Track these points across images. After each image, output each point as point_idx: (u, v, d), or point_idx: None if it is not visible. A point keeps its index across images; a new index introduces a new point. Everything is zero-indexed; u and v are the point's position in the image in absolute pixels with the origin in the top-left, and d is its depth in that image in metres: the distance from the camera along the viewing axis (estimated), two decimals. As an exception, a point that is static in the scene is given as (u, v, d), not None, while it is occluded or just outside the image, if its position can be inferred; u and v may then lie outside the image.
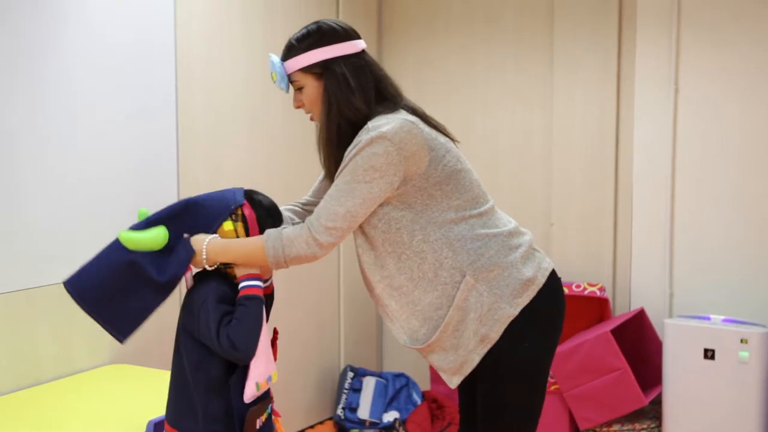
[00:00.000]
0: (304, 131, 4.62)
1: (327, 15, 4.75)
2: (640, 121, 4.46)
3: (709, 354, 3.95)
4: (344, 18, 4.85)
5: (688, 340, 4.01)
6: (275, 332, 2.38)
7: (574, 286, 4.41)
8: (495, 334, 2.22)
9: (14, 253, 3.09)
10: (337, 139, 2.31)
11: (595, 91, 4.57)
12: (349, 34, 2.33)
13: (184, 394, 2.24)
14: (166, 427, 2.30)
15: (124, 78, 3.49)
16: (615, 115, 4.52)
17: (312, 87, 2.34)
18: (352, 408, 4.78)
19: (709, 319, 4.09)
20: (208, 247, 2.21)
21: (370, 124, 2.21)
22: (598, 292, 4.36)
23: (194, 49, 3.85)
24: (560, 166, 4.69)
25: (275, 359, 2.32)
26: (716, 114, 4.28)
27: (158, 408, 2.80)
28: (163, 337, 3.68)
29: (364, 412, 4.75)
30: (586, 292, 4.37)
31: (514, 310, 2.22)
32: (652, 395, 4.12)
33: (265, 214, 2.31)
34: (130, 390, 3.17)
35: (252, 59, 4.20)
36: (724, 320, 4.04)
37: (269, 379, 2.23)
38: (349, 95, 2.26)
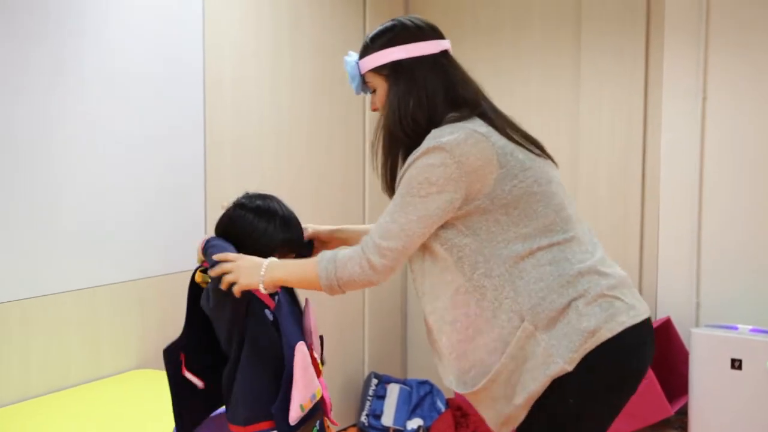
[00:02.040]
0: (330, 149, 4.65)
1: (353, 26, 4.77)
2: (667, 130, 4.44)
3: (736, 364, 3.92)
4: (371, 27, 4.87)
5: (715, 349, 3.99)
6: (311, 343, 2.32)
7: (599, 295, 4.39)
8: (544, 388, 1.94)
9: (43, 260, 3.12)
10: (393, 147, 2.12)
11: (622, 100, 4.55)
12: (425, 33, 2.11)
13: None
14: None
15: (153, 97, 3.53)
16: (642, 124, 4.50)
17: (382, 89, 2.11)
18: (376, 415, 4.79)
19: (736, 328, 4.05)
20: (268, 264, 2.07)
21: (434, 132, 2.00)
22: (623, 301, 4.33)
23: (222, 66, 3.88)
24: (587, 175, 4.67)
25: (319, 371, 2.28)
26: (744, 123, 4.25)
27: (184, 413, 2.82)
28: (189, 343, 3.71)
29: (388, 419, 4.75)
30: (611, 301, 4.34)
31: (568, 366, 1.92)
32: (678, 405, 4.10)
33: (252, 217, 2.22)
34: (156, 395, 3.19)
35: (279, 74, 4.23)
36: (752, 330, 4.01)
37: (313, 397, 2.17)
38: (414, 100, 2.05)
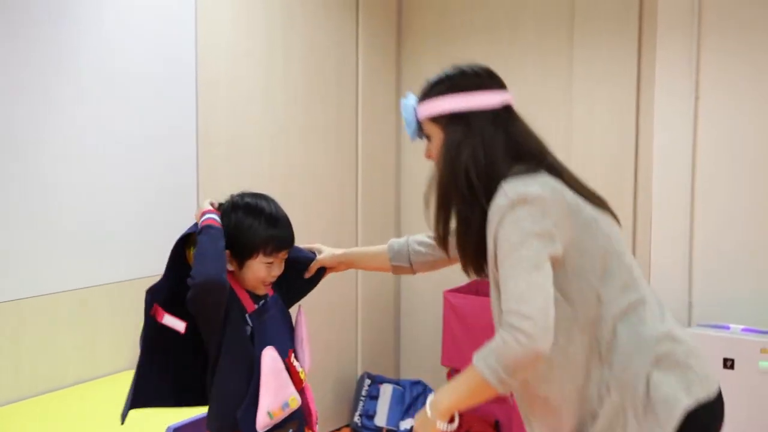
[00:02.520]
0: (324, 149, 4.65)
1: (346, 26, 4.78)
2: (660, 130, 4.45)
3: (728, 363, 3.94)
4: (363, 28, 4.88)
5: (708, 349, 3.99)
6: (296, 351, 2.30)
7: (592, 295, 4.40)
8: None
9: (41, 259, 3.12)
10: (446, 200, 1.98)
11: (615, 100, 4.56)
12: (485, 82, 2.04)
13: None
14: None
15: (146, 97, 3.53)
16: (635, 124, 4.52)
17: (438, 138, 2.00)
18: (369, 415, 4.79)
19: (728, 328, 4.07)
20: (431, 403, 1.94)
21: (506, 185, 1.86)
22: (616, 301, 4.35)
23: (216, 66, 3.88)
24: (579, 172, 4.65)
25: (300, 377, 2.24)
26: (737, 123, 4.27)
27: (178, 413, 2.82)
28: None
29: (381, 420, 4.76)
30: (604, 301, 4.36)
31: None
32: (671, 404, 4.10)
33: (241, 213, 2.20)
34: (151, 395, 3.19)
35: (272, 74, 4.23)
36: (744, 329, 4.03)
37: (285, 405, 2.14)
38: (470, 152, 1.92)
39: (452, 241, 2.06)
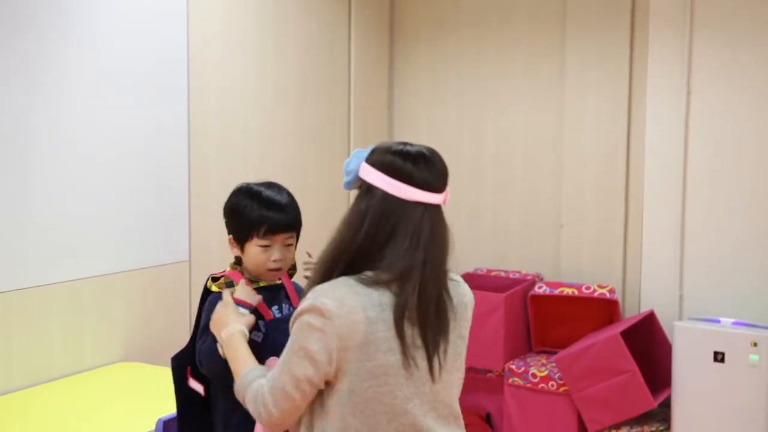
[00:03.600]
0: (317, 149, 4.64)
1: (339, 20, 4.76)
2: (652, 123, 4.45)
3: (719, 357, 3.94)
4: (356, 22, 4.86)
5: (698, 342, 4.01)
6: None
7: (583, 288, 4.41)
8: None
9: (27, 251, 3.10)
10: (334, 255, 1.89)
11: (606, 93, 4.56)
12: (416, 180, 1.80)
13: None
14: None
15: (137, 92, 3.51)
16: (626, 118, 4.52)
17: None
18: None
19: (719, 322, 4.07)
20: (227, 337, 2.01)
21: (319, 289, 1.80)
22: (607, 294, 4.35)
23: (206, 62, 3.87)
24: (571, 166, 4.68)
25: None
26: (729, 117, 4.27)
27: (168, 406, 2.81)
28: (173, 336, 3.71)
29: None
30: (595, 294, 4.36)
31: None
32: (662, 398, 4.11)
33: (241, 197, 2.23)
34: (140, 388, 3.18)
35: (264, 72, 4.21)
36: (735, 323, 4.03)
37: None
38: (362, 229, 1.83)
39: None
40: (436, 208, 1.84)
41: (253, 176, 4.00)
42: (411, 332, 1.75)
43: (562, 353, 4.22)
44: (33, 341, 3.14)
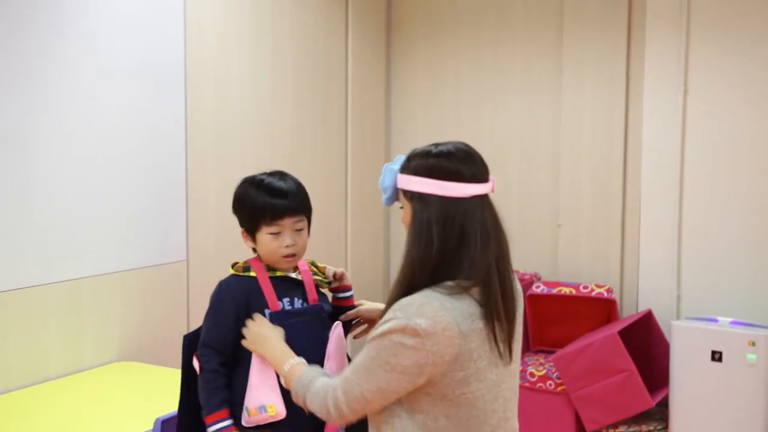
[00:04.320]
0: (314, 148, 4.64)
1: (336, 18, 4.76)
2: (649, 121, 4.45)
3: (716, 356, 3.94)
4: (353, 19, 4.86)
5: (696, 342, 4.01)
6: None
7: (581, 287, 4.41)
8: None
9: (25, 251, 3.09)
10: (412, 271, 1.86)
11: (603, 91, 4.56)
12: (464, 175, 1.81)
13: None
14: None
15: (134, 90, 3.50)
16: (624, 116, 4.52)
17: (407, 212, 1.88)
18: None
19: (716, 321, 4.08)
20: (268, 335, 2.09)
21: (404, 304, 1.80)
22: (605, 294, 4.35)
23: (204, 60, 3.86)
24: (568, 166, 4.68)
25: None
26: (726, 115, 4.27)
27: (166, 405, 2.80)
28: (170, 336, 3.70)
29: None
30: (593, 293, 4.36)
31: None
32: (659, 397, 4.12)
33: (247, 187, 2.25)
34: (137, 387, 3.17)
35: (261, 71, 4.21)
36: (732, 322, 4.04)
37: (261, 408, 2.10)
38: (433, 239, 1.80)
39: None
40: (488, 198, 1.87)
41: (250, 173, 4.02)
42: (497, 330, 1.79)
43: (559, 352, 4.22)
44: (31, 341, 3.13)
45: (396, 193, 1.91)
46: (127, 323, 3.51)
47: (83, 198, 3.32)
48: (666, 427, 4.15)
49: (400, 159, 1.92)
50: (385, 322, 1.76)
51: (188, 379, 2.26)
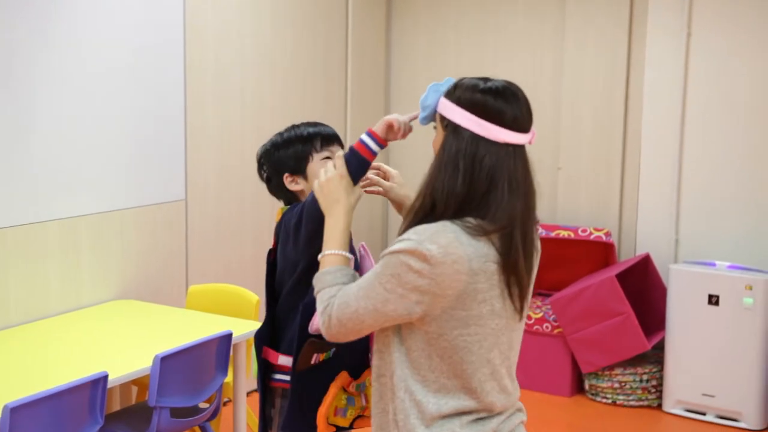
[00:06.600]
0: (313, 95, 4.60)
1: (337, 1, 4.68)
2: (651, 66, 4.41)
3: (713, 300, 3.96)
4: (354, 4, 4.78)
5: (693, 285, 4.02)
6: None
7: (580, 231, 4.41)
8: None
9: (24, 188, 3.09)
10: (430, 196, 1.82)
11: (606, 35, 4.51)
12: (508, 122, 1.76)
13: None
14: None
15: (133, 33, 3.47)
16: (626, 60, 4.47)
17: (439, 138, 1.82)
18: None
19: (714, 265, 4.09)
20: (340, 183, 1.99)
21: (422, 230, 1.76)
22: (603, 237, 4.36)
23: (204, 46, 3.81)
24: (569, 110, 4.65)
25: None
26: (728, 60, 4.23)
27: (164, 342, 2.83)
28: (169, 274, 3.72)
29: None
30: (591, 237, 4.37)
31: None
32: (655, 340, 4.14)
33: (285, 132, 2.29)
34: (136, 324, 3.19)
35: (261, 58, 4.18)
36: (729, 266, 4.05)
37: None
38: (455, 173, 1.76)
39: None
40: (523, 149, 1.79)
41: (250, 113, 4.00)
42: (511, 283, 1.74)
43: (557, 295, 4.24)
44: (30, 278, 3.14)
45: (433, 115, 1.85)
46: (126, 262, 3.52)
47: (81, 136, 3.30)
48: (661, 369, 4.19)
49: (449, 81, 1.85)
50: (399, 241, 1.73)
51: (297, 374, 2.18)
